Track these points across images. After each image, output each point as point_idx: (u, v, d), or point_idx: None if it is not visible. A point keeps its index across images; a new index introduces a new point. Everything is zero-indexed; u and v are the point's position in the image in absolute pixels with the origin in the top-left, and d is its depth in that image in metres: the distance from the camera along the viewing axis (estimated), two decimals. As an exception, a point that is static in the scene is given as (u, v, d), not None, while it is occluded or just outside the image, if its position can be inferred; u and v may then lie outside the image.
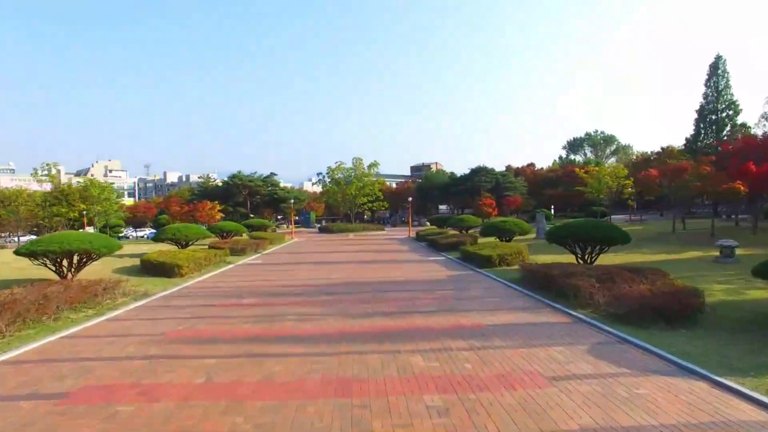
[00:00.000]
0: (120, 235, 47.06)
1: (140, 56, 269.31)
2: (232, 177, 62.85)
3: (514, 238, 26.71)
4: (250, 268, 20.62)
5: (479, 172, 63.91)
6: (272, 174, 66.60)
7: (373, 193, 54.60)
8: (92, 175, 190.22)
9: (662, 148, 65.29)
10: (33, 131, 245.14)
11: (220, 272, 18.96)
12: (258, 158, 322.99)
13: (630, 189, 38.91)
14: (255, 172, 64.74)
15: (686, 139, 59.16)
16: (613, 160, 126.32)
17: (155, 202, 72.54)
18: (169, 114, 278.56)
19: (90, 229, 43.18)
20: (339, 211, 63.32)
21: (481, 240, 29.07)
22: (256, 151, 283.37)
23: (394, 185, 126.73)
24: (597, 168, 37.46)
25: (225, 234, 33.21)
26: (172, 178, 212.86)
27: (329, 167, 54.57)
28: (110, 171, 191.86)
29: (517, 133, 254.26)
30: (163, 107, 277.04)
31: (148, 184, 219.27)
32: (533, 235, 31.19)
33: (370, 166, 54.86)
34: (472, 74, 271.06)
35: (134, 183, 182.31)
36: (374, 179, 55.82)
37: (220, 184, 64.61)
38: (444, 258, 23.83)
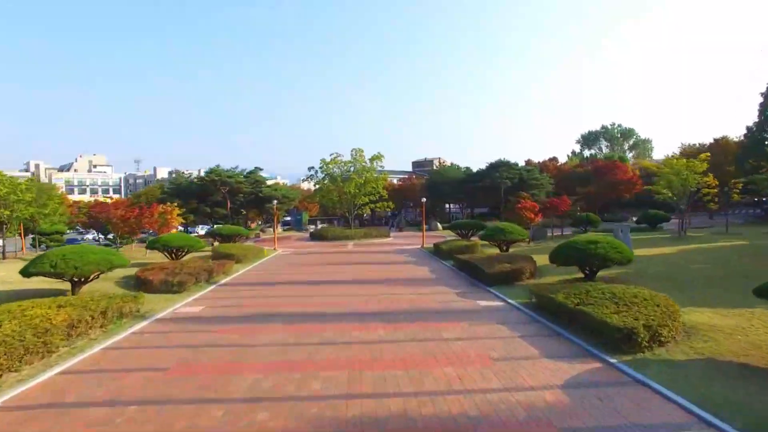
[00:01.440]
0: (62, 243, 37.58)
1: (135, 49, 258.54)
2: (209, 172, 53.33)
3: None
4: (158, 343, 11.23)
5: (499, 167, 54.56)
6: (257, 169, 57.03)
7: (376, 191, 45.30)
8: (75, 171, 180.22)
9: (715, 139, 56.18)
10: (16, 125, 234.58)
11: (77, 363, 9.55)
12: (254, 154, 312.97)
13: (713, 188, 29.75)
14: (236, 167, 55.30)
15: (748, 127, 49.72)
16: (631, 155, 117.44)
17: (122, 200, 62.61)
18: (164, 108, 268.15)
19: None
20: (335, 211, 53.88)
21: (539, 261, 19.86)
22: (253, 147, 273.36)
23: (395, 181, 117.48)
24: (685, 160, 28.11)
25: (175, 252, 23.86)
26: (162, 173, 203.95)
27: (323, 160, 45.24)
28: (94, 166, 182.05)
29: (520, 128, 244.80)
30: (157, 101, 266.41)
31: (137, 180, 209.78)
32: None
33: (372, 159, 45.55)
34: (472, 70, 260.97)
35: (120, 179, 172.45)
36: (377, 175, 46.38)
37: (196, 180, 55.01)
38: (502, 303, 14.56)
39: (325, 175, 46.03)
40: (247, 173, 56.50)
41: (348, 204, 44.57)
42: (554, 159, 71.95)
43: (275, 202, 42.59)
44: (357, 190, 43.86)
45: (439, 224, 52.85)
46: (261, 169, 57.22)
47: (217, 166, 53.06)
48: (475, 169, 60.63)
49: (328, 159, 45.64)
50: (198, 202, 53.29)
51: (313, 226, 56.38)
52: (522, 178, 54.38)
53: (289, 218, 65.68)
